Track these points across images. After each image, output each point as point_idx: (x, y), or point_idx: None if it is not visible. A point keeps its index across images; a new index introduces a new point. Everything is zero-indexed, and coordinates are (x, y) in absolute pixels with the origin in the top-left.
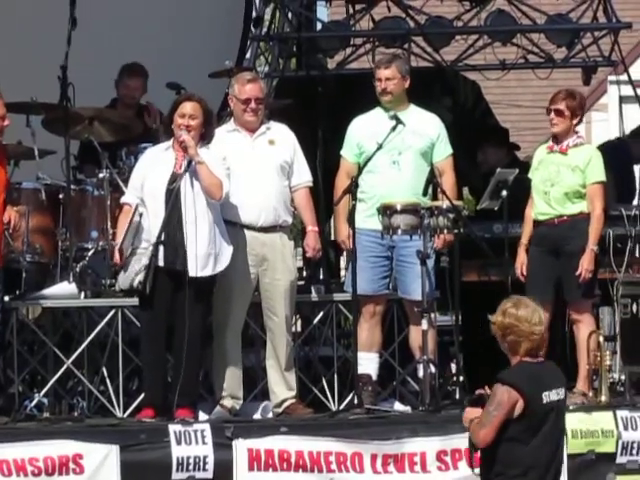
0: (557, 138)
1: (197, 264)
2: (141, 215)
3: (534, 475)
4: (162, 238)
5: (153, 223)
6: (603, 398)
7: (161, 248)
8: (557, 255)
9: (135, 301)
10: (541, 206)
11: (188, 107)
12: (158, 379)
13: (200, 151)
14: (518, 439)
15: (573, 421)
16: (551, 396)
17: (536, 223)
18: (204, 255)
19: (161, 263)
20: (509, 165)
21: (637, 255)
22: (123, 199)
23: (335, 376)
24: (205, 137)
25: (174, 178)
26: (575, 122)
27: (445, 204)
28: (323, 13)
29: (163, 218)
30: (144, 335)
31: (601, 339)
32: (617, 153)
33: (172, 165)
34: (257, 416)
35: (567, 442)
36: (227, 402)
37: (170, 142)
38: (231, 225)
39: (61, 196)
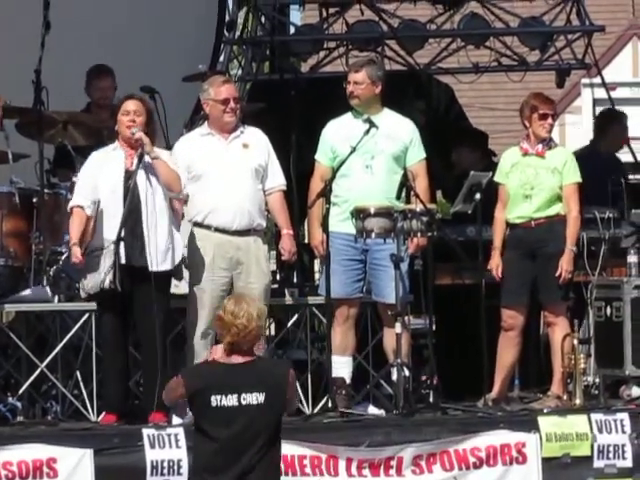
0: (530, 141)
1: (157, 258)
2: (94, 217)
3: (206, 477)
4: (122, 235)
5: (112, 222)
6: (577, 401)
7: (122, 245)
8: (533, 258)
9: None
10: (519, 210)
11: (131, 105)
12: (119, 383)
13: (156, 148)
14: (203, 434)
15: (547, 424)
16: (229, 400)
17: (512, 226)
18: (164, 250)
19: (122, 260)
20: (484, 169)
21: (611, 258)
22: (72, 203)
23: (309, 379)
24: (148, 135)
25: (129, 175)
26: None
27: (418, 207)
28: (296, 17)
29: (122, 215)
30: (105, 338)
31: (575, 342)
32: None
33: (123, 164)
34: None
35: (542, 446)
36: None
37: (116, 143)
38: (205, 228)
39: (35, 200)
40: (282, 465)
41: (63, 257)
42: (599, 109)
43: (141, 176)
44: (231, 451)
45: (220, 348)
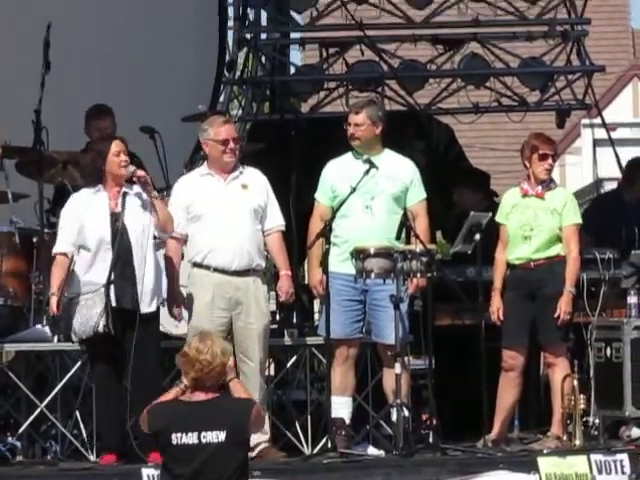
0: (530, 182)
1: (146, 300)
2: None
3: None
4: (112, 278)
5: (100, 266)
6: (577, 442)
7: (112, 288)
8: (533, 298)
9: None
10: (519, 251)
11: (119, 145)
12: (117, 425)
13: (136, 188)
14: (166, 470)
15: (547, 465)
16: (189, 438)
17: (512, 267)
18: (151, 291)
19: (113, 303)
20: (485, 210)
21: (611, 299)
22: (56, 249)
23: (309, 420)
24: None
25: (115, 218)
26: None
27: (418, 248)
28: (297, 57)
29: (112, 258)
30: (99, 383)
31: (575, 383)
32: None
33: (107, 206)
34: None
35: None
36: None
37: (99, 186)
38: (204, 268)
39: (35, 240)
40: None
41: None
42: (599, 149)
43: (128, 217)
44: None
45: (176, 390)
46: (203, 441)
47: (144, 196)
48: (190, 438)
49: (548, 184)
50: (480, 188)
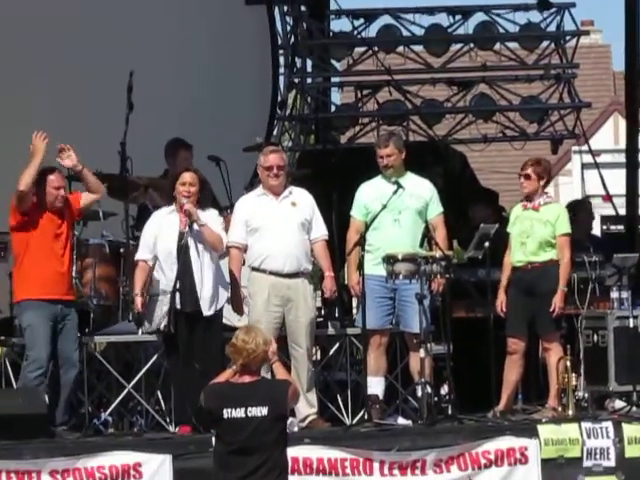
0: (530, 198)
1: (206, 305)
2: (154, 269)
3: (220, 475)
4: (178, 286)
5: (168, 275)
6: (570, 412)
7: (177, 294)
8: (531, 295)
9: None
10: (518, 255)
11: (187, 177)
12: (191, 401)
13: (200, 214)
14: (219, 439)
15: (545, 431)
16: (237, 413)
17: (513, 269)
18: (210, 297)
19: (178, 307)
20: (495, 223)
21: (597, 294)
22: (138, 256)
23: (349, 396)
24: (200, 201)
25: (182, 236)
26: (542, 184)
27: (438, 254)
28: (336, 97)
29: (177, 270)
30: (173, 369)
31: (568, 363)
32: None
33: (177, 225)
34: (286, 430)
35: (541, 449)
36: None
37: (173, 207)
38: (261, 271)
39: (122, 250)
40: (327, 466)
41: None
42: (587, 171)
43: (192, 237)
44: (240, 453)
45: (228, 372)
46: (249, 415)
47: (211, 217)
48: (238, 413)
49: (545, 199)
50: (491, 205)
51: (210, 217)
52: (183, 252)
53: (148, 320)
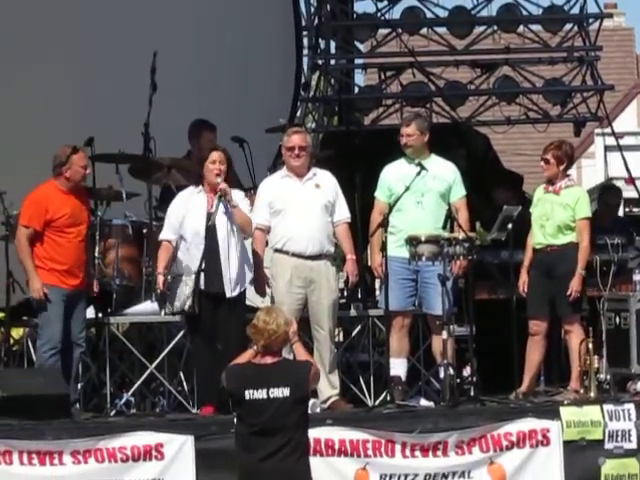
0: (551, 180)
1: (231, 286)
2: (177, 249)
3: (242, 456)
4: (203, 266)
5: (194, 255)
6: (592, 394)
7: (202, 275)
8: (550, 277)
9: None
10: (538, 237)
11: (217, 155)
12: (212, 382)
13: (236, 195)
14: (240, 420)
15: (567, 413)
16: (259, 394)
17: (534, 250)
18: (235, 278)
19: (202, 287)
20: (517, 204)
21: (619, 276)
22: (162, 236)
23: (371, 377)
24: (227, 180)
25: (209, 216)
26: (562, 168)
27: (461, 235)
28: (360, 79)
29: (203, 250)
30: (198, 348)
31: (590, 345)
32: None
33: (205, 205)
34: (308, 411)
35: (563, 431)
36: None
37: (200, 187)
38: (284, 253)
39: (145, 231)
40: (349, 447)
41: (168, 278)
42: (609, 154)
43: (219, 217)
44: (262, 434)
45: (249, 352)
46: (271, 396)
47: (238, 198)
48: (260, 394)
49: (566, 183)
50: (513, 187)
51: (239, 199)
52: (210, 233)
53: (172, 300)
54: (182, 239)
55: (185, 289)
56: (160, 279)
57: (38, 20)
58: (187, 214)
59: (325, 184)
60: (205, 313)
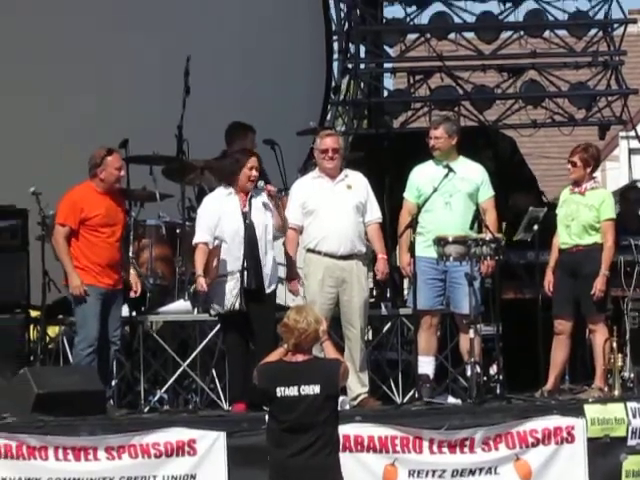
0: (577, 182)
1: (267, 282)
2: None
3: (274, 452)
4: (245, 265)
5: (235, 255)
6: (616, 392)
7: (245, 272)
8: (575, 277)
9: None
10: (563, 237)
11: (253, 161)
12: (244, 379)
13: (258, 191)
14: (272, 417)
15: (592, 411)
16: (290, 391)
17: (560, 251)
18: (270, 275)
19: (245, 285)
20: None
21: None
22: (196, 239)
23: (400, 375)
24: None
25: (245, 216)
26: (589, 170)
27: (488, 236)
28: (389, 83)
29: (243, 249)
30: (231, 345)
31: (614, 344)
32: None
33: (239, 206)
34: (337, 408)
35: (587, 428)
36: None
37: (229, 189)
38: (316, 253)
39: (178, 231)
40: (377, 444)
41: None
42: (634, 157)
43: (254, 215)
44: (293, 431)
45: (280, 351)
46: (302, 393)
47: (264, 198)
48: (291, 391)
49: (591, 184)
50: (530, 191)
51: (268, 201)
52: (249, 231)
53: (218, 301)
54: (221, 241)
55: (233, 289)
56: (201, 281)
57: (76, 21)
58: (222, 216)
59: (357, 185)
60: (244, 310)
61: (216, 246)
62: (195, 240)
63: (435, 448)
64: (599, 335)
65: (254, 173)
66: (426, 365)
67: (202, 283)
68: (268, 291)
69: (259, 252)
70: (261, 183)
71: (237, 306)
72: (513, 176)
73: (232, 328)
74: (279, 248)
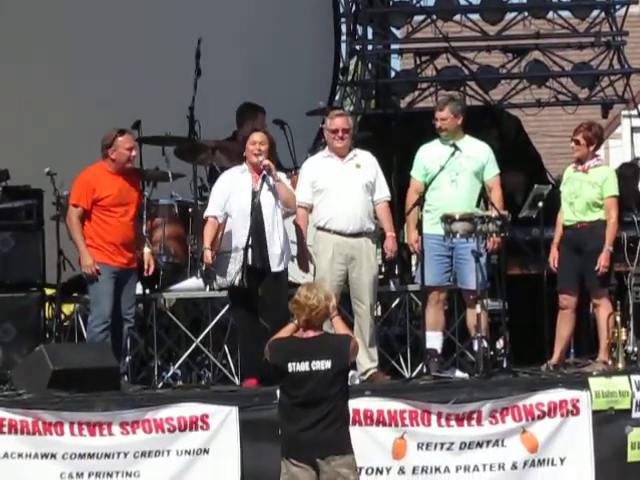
0: (580, 160)
1: (275, 261)
2: (224, 225)
3: (285, 426)
4: (250, 242)
5: (241, 232)
6: (620, 365)
7: (249, 251)
8: (579, 253)
9: None
10: (567, 214)
11: (257, 136)
12: (255, 355)
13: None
14: (283, 392)
15: (596, 384)
16: (302, 366)
17: (564, 227)
18: (279, 254)
19: (249, 263)
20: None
21: None
22: (207, 212)
23: (408, 350)
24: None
25: (254, 194)
26: (592, 148)
27: (494, 213)
28: (396, 63)
29: (249, 226)
30: (241, 321)
31: (618, 319)
32: None
33: (250, 184)
34: (348, 383)
35: (592, 401)
36: None
37: (244, 166)
38: (326, 231)
39: (190, 210)
40: (387, 418)
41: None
42: (636, 135)
43: (264, 195)
44: (304, 405)
45: (291, 327)
46: (313, 369)
47: (282, 178)
48: (303, 366)
49: (594, 162)
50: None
51: (281, 178)
52: (256, 210)
53: (221, 276)
54: (228, 216)
55: (234, 265)
56: (207, 253)
57: (91, 7)
58: (233, 192)
59: (366, 164)
60: (250, 287)
61: (222, 222)
62: (206, 213)
63: (443, 421)
64: (603, 309)
65: (258, 147)
66: (434, 340)
67: (208, 256)
68: (277, 270)
69: (265, 231)
70: (259, 157)
71: (237, 282)
72: (518, 154)
73: (239, 304)
74: (290, 226)
